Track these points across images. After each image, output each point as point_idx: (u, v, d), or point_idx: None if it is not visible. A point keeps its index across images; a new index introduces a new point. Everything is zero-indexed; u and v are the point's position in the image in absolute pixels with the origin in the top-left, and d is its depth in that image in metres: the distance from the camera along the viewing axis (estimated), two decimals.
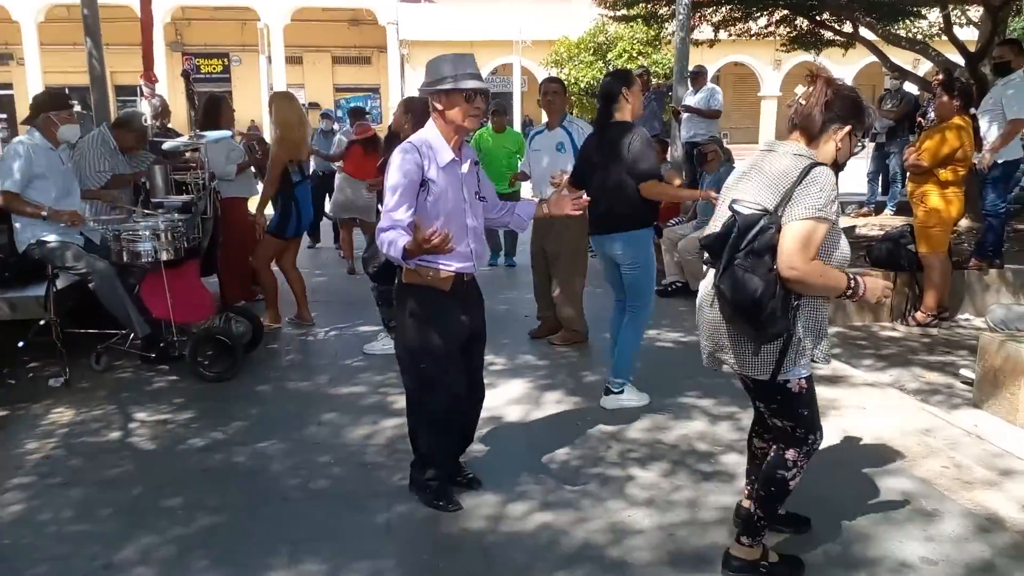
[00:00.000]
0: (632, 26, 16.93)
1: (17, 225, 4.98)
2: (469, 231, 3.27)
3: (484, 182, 3.44)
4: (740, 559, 2.81)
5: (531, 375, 5.06)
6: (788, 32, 11.65)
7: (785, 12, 11.08)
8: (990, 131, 6.49)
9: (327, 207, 9.30)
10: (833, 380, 4.85)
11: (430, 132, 3.20)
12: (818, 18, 10.83)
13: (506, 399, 4.59)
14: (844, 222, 9.03)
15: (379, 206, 3.75)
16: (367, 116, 10.23)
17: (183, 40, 31.10)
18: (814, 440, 2.73)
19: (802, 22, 11.30)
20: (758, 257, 2.45)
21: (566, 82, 25.44)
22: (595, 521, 3.25)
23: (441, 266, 3.20)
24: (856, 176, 12.00)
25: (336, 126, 11.13)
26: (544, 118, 6.19)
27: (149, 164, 6.08)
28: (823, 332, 2.67)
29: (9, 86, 28.73)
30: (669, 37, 12.57)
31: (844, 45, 11.50)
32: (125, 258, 4.82)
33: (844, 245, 2.61)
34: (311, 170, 8.45)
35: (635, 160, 4.29)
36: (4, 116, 27.99)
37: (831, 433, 4.06)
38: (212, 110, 6.32)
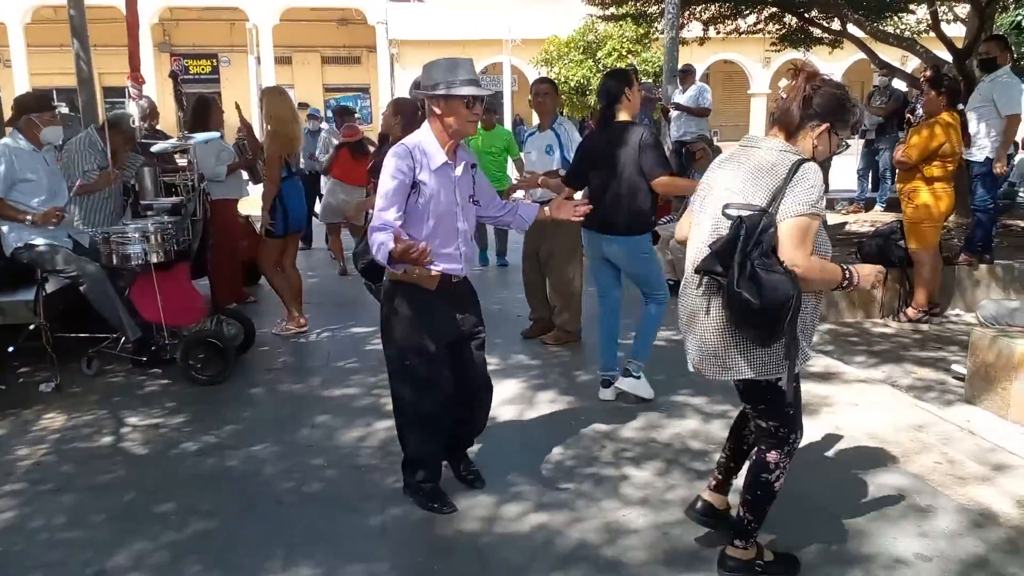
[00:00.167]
0: (621, 25, 16.90)
1: (4, 229, 4.93)
2: (459, 234, 3.27)
3: (480, 185, 3.43)
4: (735, 559, 2.82)
5: (524, 375, 5.05)
6: (777, 30, 11.67)
7: (774, 10, 11.10)
8: (980, 128, 6.52)
9: (316, 209, 9.27)
10: (825, 377, 4.87)
11: (424, 134, 3.20)
12: (807, 15, 10.86)
13: (499, 399, 4.57)
14: (834, 218, 9.08)
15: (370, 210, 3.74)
16: (356, 117, 10.18)
17: (171, 41, 30.92)
18: (795, 439, 2.73)
19: (791, 19, 11.32)
20: (769, 257, 2.43)
21: (556, 81, 25.53)
22: (590, 521, 3.25)
23: (428, 265, 3.19)
24: (846, 173, 12.05)
25: (324, 125, 11.07)
26: (536, 119, 6.19)
27: (138, 166, 6.04)
28: (814, 329, 2.68)
29: None
30: (658, 35, 12.57)
31: (832, 42, 11.54)
32: (115, 261, 4.79)
33: (826, 238, 2.62)
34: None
35: (649, 157, 4.32)
36: None
37: (824, 430, 4.08)
38: (201, 111, 6.28)
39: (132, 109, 7.14)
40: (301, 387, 4.94)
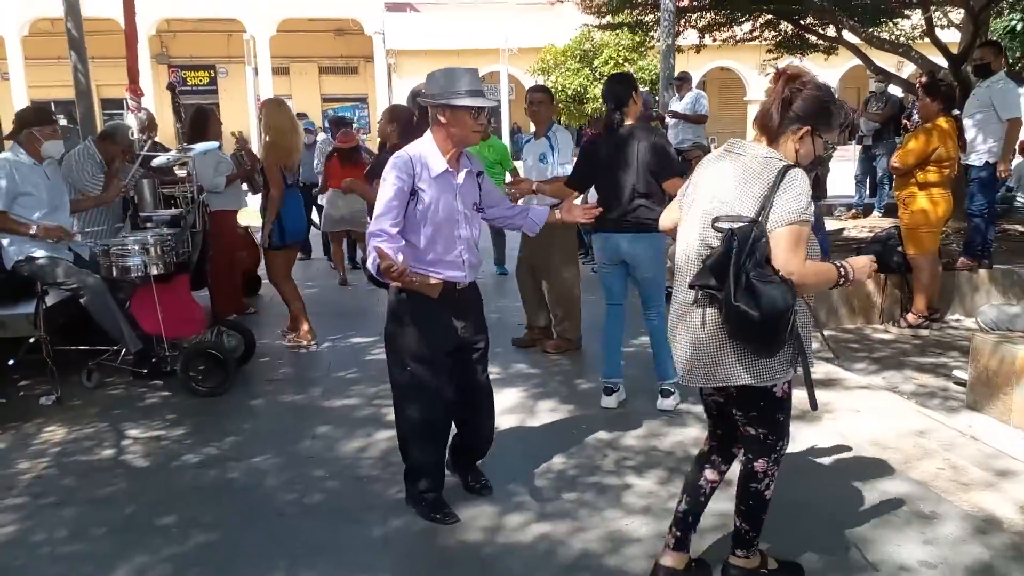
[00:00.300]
0: (618, 33, 16.96)
1: (5, 242, 4.93)
2: (462, 241, 3.28)
3: (487, 192, 3.44)
4: (739, 568, 2.81)
5: (525, 384, 5.05)
6: (773, 37, 11.71)
7: (769, 17, 11.14)
8: (977, 133, 6.53)
9: (315, 218, 9.28)
10: (826, 383, 4.86)
11: (426, 142, 3.22)
12: (802, 22, 10.90)
13: (501, 408, 4.55)
14: (833, 224, 9.09)
15: (368, 217, 3.77)
16: (355, 128, 10.20)
17: (169, 52, 31.00)
18: (783, 446, 2.70)
19: (786, 26, 11.36)
20: (764, 267, 2.40)
21: (553, 89, 25.58)
22: (593, 530, 3.24)
23: (430, 273, 3.22)
24: (844, 178, 12.09)
25: (322, 136, 11.09)
26: (532, 127, 6.20)
27: (137, 178, 6.04)
28: (810, 333, 2.66)
29: None
30: (655, 43, 12.60)
31: (828, 49, 11.58)
32: (115, 273, 4.80)
33: (814, 239, 2.59)
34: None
35: (662, 159, 4.38)
36: None
37: (826, 437, 4.07)
38: (199, 123, 6.30)
39: (131, 121, 7.16)
40: (302, 398, 4.93)
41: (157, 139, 8.01)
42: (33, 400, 4.87)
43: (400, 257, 3.00)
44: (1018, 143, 9.13)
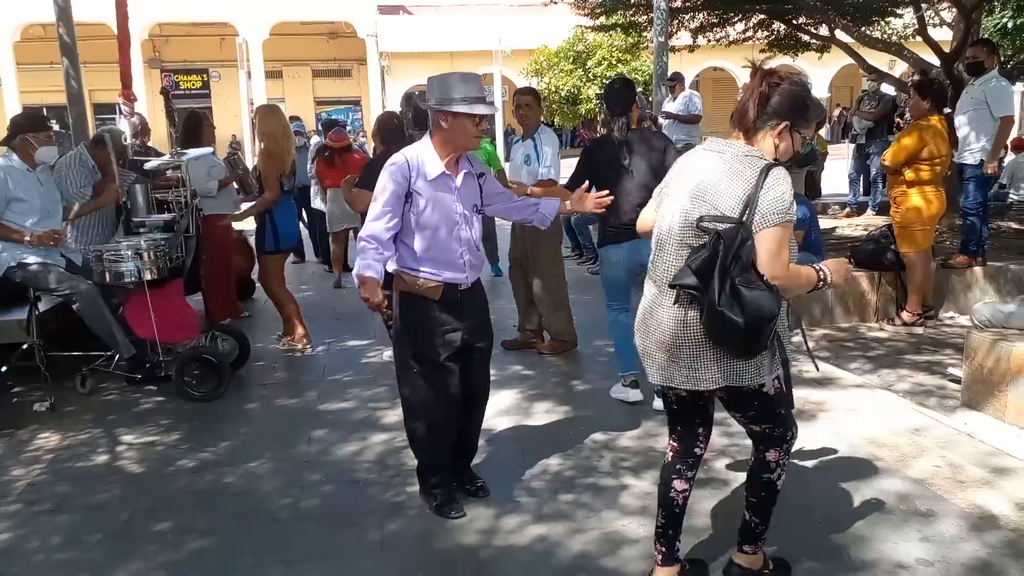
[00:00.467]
0: (611, 34, 16.99)
1: None
2: (462, 243, 3.29)
3: (489, 192, 3.45)
4: (742, 567, 2.80)
5: (520, 385, 5.04)
6: (766, 36, 11.73)
7: (762, 17, 11.15)
8: (970, 131, 6.55)
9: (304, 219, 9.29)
10: (822, 382, 4.86)
11: (424, 145, 3.24)
12: (794, 22, 10.91)
13: (496, 410, 4.56)
14: (827, 223, 9.10)
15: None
16: (347, 131, 10.20)
17: (161, 57, 30.95)
18: (792, 436, 2.69)
19: (779, 26, 11.38)
20: (749, 272, 2.38)
21: (547, 91, 25.62)
22: (590, 532, 3.23)
23: (429, 275, 3.26)
24: (838, 177, 12.11)
25: (316, 139, 11.08)
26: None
27: (129, 183, 6.01)
28: (785, 328, 2.65)
29: None
30: (648, 44, 12.61)
31: (821, 48, 11.60)
32: (108, 279, 4.78)
33: (794, 242, 2.57)
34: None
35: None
36: None
37: (822, 435, 4.07)
38: (192, 127, 6.28)
39: (124, 126, 7.13)
40: (297, 402, 4.92)
41: (150, 144, 8.00)
42: (27, 407, 4.84)
43: (388, 268, 3.19)
44: (1010, 140, 9.14)
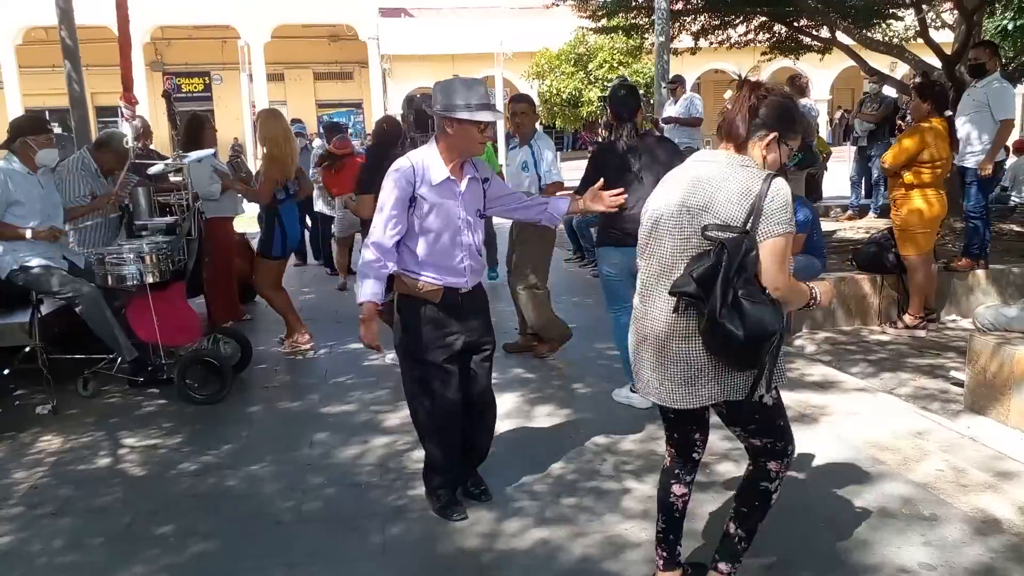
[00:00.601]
0: (612, 37, 17.01)
1: None
2: (464, 248, 3.30)
3: (494, 195, 3.46)
4: None
5: (522, 388, 5.04)
6: (768, 39, 11.73)
7: (763, 19, 11.16)
8: (972, 133, 6.54)
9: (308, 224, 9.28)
10: (824, 386, 4.86)
11: (429, 151, 3.25)
12: (795, 24, 10.92)
13: (499, 413, 4.54)
14: (828, 226, 9.09)
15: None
16: (349, 132, 10.21)
17: (163, 60, 31.00)
18: (792, 450, 2.66)
19: (780, 29, 11.38)
20: (752, 284, 2.36)
21: (548, 93, 25.64)
22: (592, 536, 3.23)
23: (431, 279, 3.27)
24: (840, 180, 12.11)
25: (318, 141, 11.10)
26: None
27: (132, 186, 6.02)
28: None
29: None
30: (650, 47, 12.63)
31: (822, 50, 11.60)
32: (110, 282, 4.78)
33: (789, 254, 2.55)
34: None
35: None
36: None
37: (824, 439, 4.06)
38: (194, 130, 6.29)
39: (126, 129, 7.15)
40: (299, 405, 4.92)
41: (152, 147, 8.01)
42: (29, 409, 4.84)
43: (387, 279, 3.26)
44: (1012, 142, 9.13)
